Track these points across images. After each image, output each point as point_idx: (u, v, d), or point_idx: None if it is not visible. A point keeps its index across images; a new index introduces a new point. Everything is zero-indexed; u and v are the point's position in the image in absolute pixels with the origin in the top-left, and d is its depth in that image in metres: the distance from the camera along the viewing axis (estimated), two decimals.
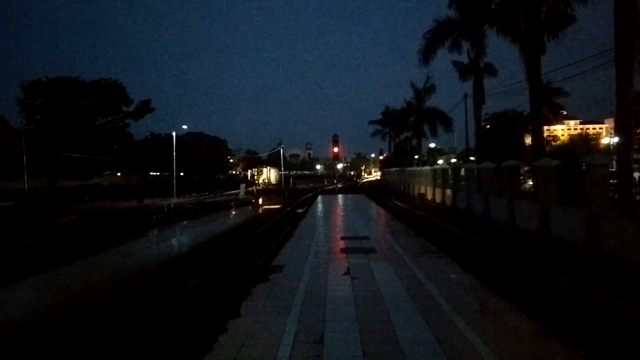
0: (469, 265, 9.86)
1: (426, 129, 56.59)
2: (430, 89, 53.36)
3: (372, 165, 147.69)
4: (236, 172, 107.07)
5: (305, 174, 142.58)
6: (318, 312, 6.61)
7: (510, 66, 29.60)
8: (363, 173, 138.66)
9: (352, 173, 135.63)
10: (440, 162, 70.18)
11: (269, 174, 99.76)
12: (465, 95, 37.01)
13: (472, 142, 37.91)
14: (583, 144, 48.04)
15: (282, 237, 15.51)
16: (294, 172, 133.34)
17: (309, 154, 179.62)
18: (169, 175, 51.19)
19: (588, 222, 12.58)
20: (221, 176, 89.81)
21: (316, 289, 7.93)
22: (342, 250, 11.83)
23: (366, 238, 13.94)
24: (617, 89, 14.68)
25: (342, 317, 6.36)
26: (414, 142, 61.28)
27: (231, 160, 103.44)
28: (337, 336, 5.63)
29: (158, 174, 67.42)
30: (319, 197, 37.24)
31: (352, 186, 71.30)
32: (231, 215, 28.85)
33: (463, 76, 31.33)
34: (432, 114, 55.03)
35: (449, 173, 28.83)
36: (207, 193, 52.96)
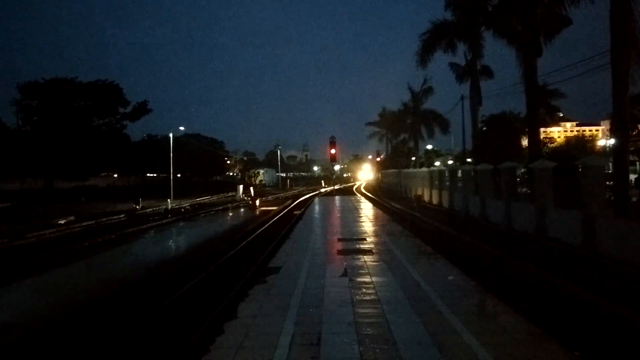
0: (466, 266, 9.88)
1: (423, 130, 56.85)
2: (427, 91, 53.61)
3: (369, 167, 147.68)
4: (233, 173, 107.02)
5: (302, 175, 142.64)
6: (315, 314, 6.61)
7: (507, 68, 29.70)
8: (360, 174, 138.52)
9: (349, 174, 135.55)
10: (437, 163, 70.11)
11: (266, 176, 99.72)
12: (462, 97, 37.07)
13: (469, 144, 37.99)
14: (579, 145, 48.23)
15: (279, 238, 15.50)
16: (291, 173, 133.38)
17: (306, 156, 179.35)
18: (166, 177, 51.01)
19: (584, 224, 12.61)
20: (218, 178, 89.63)
21: (313, 291, 7.93)
22: (339, 252, 11.83)
23: (363, 239, 13.96)
24: (613, 92, 14.74)
25: (339, 319, 6.37)
26: (411, 143, 61.36)
27: (228, 162, 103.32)
28: (334, 338, 5.63)
29: (155, 175, 67.26)
30: (316, 199, 37.27)
31: (349, 188, 71.31)
32: (228, 217, 28.82)
33: (460, 78, 31.53)
34: (429, 115, 55.23)
35: (446, 175, 28.86)
36: (204, 195, 52.82)
